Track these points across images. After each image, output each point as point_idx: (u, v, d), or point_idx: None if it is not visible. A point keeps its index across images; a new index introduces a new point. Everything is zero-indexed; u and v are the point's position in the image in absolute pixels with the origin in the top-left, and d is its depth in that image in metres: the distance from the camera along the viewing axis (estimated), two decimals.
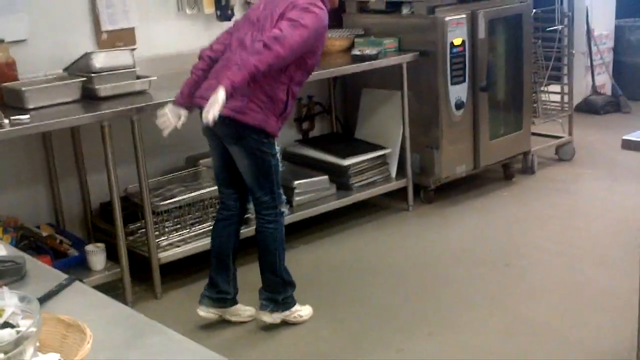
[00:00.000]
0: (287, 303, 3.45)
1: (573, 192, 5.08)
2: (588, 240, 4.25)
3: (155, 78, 3.93)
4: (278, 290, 3.43)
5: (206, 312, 3.48)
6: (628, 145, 2.57)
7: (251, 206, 3.52)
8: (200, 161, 4.36)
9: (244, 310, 3.54)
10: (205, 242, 3.96)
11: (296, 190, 4.41)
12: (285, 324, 3.45)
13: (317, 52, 3.25)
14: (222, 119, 3.01)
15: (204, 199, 4.05)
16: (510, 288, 3.73)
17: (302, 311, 3.50)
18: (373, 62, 4.57)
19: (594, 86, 7.05)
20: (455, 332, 3.36)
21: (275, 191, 3.35)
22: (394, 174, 4.84)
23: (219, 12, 4.58)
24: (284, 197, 3.44)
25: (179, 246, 3.92)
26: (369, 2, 5.02)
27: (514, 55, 5.16)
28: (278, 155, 3.35)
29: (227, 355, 1.37)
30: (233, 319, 3.52)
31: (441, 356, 3.19)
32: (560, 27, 5.68)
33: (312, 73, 3.38)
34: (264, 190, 3.33)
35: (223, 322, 3.53)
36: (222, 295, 3.47)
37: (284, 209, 3.48)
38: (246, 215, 3.65)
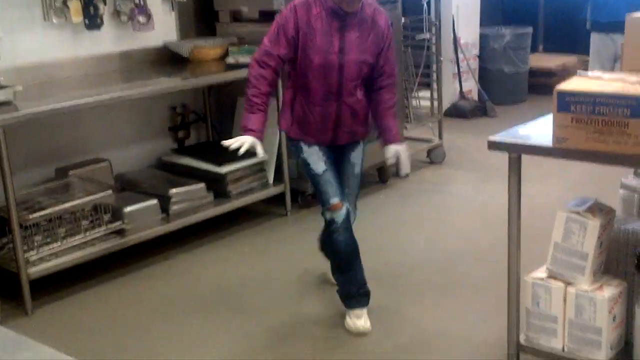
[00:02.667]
0: (343, 300, 3.46)
1: (445, 193, 5.25)
2: (461, 237, 4.41)
3: (20, 88, 3.77)
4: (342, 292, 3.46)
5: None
6: (493, 146, 2.68)
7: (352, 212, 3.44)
8: (71, 172, 4.21)
9: None
10: (77, 255, 3.84)
11: (172, 200, 4.33)
12: None
13: (307, 51, 3.16)
14: None
15: (75, 211, 3.91)
16: (390, 287, 3.80)
17: (351, 319, 3.40)
18: (247, 69, 4.55)
19: (461, 92, 7.32)
20: (339, 332, 3.39)
21: (318, 196, 3.37)
22: (271, 180, 4.84)
23: (87, 21, 4.44)
24: (329, 201, 3.28)
25: (49, 260, 3.76)
26: (242, 11, 5.01)
27: None
28: (309, 160, 3.33)
29: None
30: None
31: (323, 357, 3.22)
32: (428, 35, 5.88)
33: (314, 73, 3.21)
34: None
35: (100, 336, 3.43)
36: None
37: (331, 215, 3.29)
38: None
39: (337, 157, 3.41)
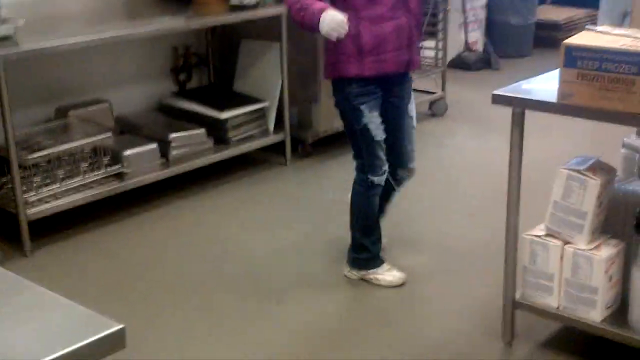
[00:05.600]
0: (359, 264, 3.38)
1: (446, 146, 5.23)
2: (461, 193, 4.40)
3: (22, 23, 3.69)
4: (353, 248, 3.40)
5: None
6: (497, 100, 2.65)
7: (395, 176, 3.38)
8: (70, 112, 4.19)
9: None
10: (76, 198, 3.83)
11: (172, 144, 4.31)
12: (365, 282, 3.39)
13: None
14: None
15: (74, 152, 3.89)
16: (387, 240, 3.80)
17: (382, 275, 3.36)
18: (252, 12, 4.50)
19: (466, 43, 7.24)
20: (336, 290, 3.41)
21: (363, 156, 3.23)
22: (272, 128, 4.81)
23: None
24: (381, 167, 3.23)
25: (48, 202, 3.76)
26: None
27: None
28: (369, 126, 3.15)
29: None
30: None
31: (317, 309, 3.25)
32: None
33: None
34: (354, 151, 3.28)
35: (97, 279, 3.45)
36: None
37: (378, 179, 3.25)
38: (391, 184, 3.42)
39: (392, 111, 3.25)
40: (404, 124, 3.28)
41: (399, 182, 3.41)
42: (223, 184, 4.55)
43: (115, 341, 1.26)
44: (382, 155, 3.22)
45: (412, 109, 3.31)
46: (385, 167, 3.25)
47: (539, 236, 2.69)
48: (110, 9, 4.54)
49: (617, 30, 2.56)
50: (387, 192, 3.41)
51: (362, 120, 3.13)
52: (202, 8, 4.67)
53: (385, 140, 3.22)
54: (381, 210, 3.45)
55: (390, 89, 3.20)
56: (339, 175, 4.64)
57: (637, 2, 2.67)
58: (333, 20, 2.90)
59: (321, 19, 2.90)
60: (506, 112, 2.66)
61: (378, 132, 3.17)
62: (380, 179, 3.26)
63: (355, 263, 3.40)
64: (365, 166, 3.23)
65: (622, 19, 5.15)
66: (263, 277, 3.49)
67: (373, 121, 3.15)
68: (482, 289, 3.31)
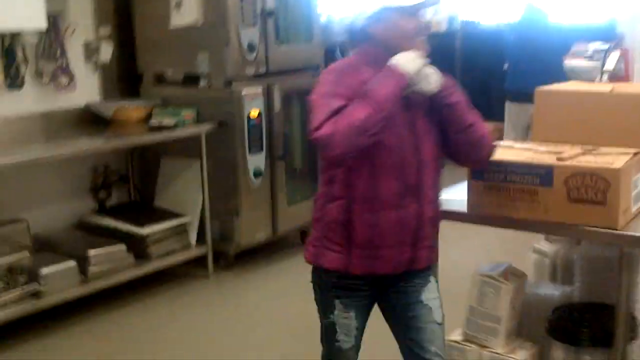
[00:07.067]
0: None
1: None
2: None
3: None
4: None
5: None
6: None
7: None
8: None
9: None
10: None
11: (91, 261, 4.26)
12: None
13: None
14: None
15: None
16: (309, 354, 3.79)
17: None
18: (171, 132, 4.59)
19: None
20: None
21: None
22: (193, 242, 4.82)
23: (8, 81, 4.39)
24: None
25: None
26: (166, 73, 5.02)
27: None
28: (337, 326, 2.43)
29: None
30: None
31: None
32: None
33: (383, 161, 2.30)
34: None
35: None
36: None
37: None
38: None
39: (393, 306, 2.47)
40: (416, 315, 2.42)
41: None
42: (146, 300, 4.48)
43: None
44: None
45: (431, 299, 2.43)
46: None
47: (456, 341, 2.75)
48: (30, 132, 4.53)
49: (519, 144, 2.73)
50: None
51: (330, 316, 2.43)
52: (120, 128, 4.73)
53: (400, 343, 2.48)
54: None
55: (388, 286, 2.44)
56: (261, 288, 4.66)
57: (535, 119, 2.84)
58: (403, 57, 2.23)
59: (394, 66, 2.21)
60: None
61: (346, 339, 2.42)
62: None
63: None
64: None
65: (526, 132, 5.47)
66: None
67: (343, 323, 2.41)
68: None
